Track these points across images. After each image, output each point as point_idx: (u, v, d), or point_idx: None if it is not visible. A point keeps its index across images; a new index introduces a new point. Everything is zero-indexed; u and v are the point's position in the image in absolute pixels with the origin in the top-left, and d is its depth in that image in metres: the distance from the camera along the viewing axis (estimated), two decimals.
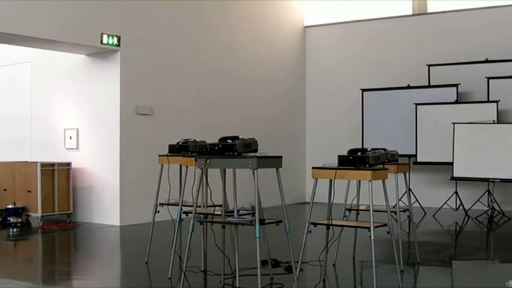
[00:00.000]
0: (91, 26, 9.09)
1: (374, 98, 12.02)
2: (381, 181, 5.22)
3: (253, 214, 5.16)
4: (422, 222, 10.00)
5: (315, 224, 5.25)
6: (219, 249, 5.47)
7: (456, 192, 10.91)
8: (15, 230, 9.04)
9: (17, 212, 9.32)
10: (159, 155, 6.33)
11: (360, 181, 5.97)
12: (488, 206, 10.44)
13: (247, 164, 4.90)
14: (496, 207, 10.30)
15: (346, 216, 6.19)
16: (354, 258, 6.50)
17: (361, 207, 6.32)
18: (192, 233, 5.14)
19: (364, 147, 11.47)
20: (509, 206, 10.82)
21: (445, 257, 7.23)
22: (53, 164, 9.60)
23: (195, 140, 6.12)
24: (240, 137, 5.15)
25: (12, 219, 9.25)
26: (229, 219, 5.23)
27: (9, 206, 9.38)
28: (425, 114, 11.16)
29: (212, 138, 5.54)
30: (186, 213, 5.94)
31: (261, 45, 12.37)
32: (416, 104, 11.22)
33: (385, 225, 5.20)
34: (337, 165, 5.15)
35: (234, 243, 5.48)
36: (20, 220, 9.28)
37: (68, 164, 9.74)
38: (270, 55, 12.62)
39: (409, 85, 11.80)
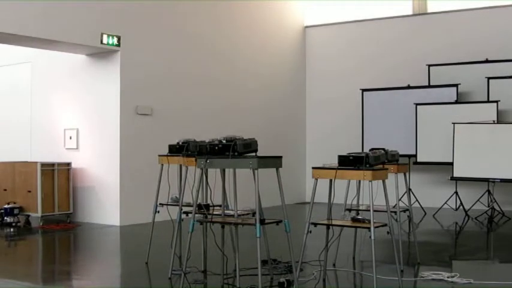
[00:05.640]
0: (91, 26, 9.09)
1: (374, 98, 12.03)
2: (381, 181, 5.22)
3: (253, 214, 5.17)
4: (422, 222, 10.00)
5: (315, 224, 5.25)
6: (219, 249, 5.47)
7: (456, 192, 10.91)
8: (12, 230, 9.04)
9: (12, 212, 9.33)
10: (159, 155, 6.33)
11: (360, 181, 5.97)
12: (488, 206, 10.44)
13: (248, 164, 4.90)
14: (496, 207, 10.30)
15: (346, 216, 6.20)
16: (354, 258, 6.50)
17: (361, 207, 6.31)
18: (192, 233, 5.14)
19: (364, 147, 11.56)
20: (509, 206, 10.83)
21: (445, 257, 7.23)
22: (53, 164, 9.60)
23: (195, 140, 6.12)
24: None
25: (8, 219, 9.27)
26: (229, 219, 5.24)
27: (6, 206, 9.40)
28: (425, 114, 11.16)
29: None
30: (186, 213, 5.94)
31: (261, 45, 12.37)
32: (416, 104, 11.22)
33: (385, 225, 5.20)
34: (337, 165, 5.16)
35: (234, 243, 5.49)
36: (16, 220, 9.29)
37: (68, 164, 9.74)
38: (270, 55, 12.62)
39: (409, 85, 11.80)
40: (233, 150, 4.96)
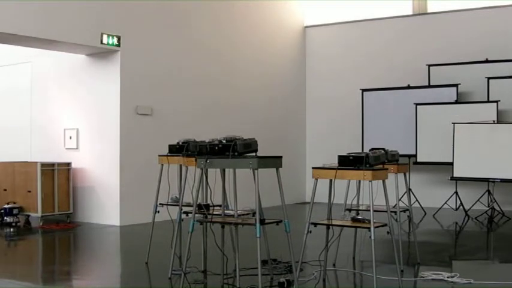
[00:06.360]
0: (91, 26, 9.09)
1: (374, 98, 12.03)
2: (380, 181, 5.22)
3: (253, 214, 5.17)
4: (422, 222, 10.00)
5: (315, 224, 5.25)
6: (219, 249, 5.47)
7: (456, 192, 10.91)
8: (12, 230, 9.04)
9: (12, 212, 9.33)
10: (159, 155, 6.34)
11: (360, 181, 5.97)
12: (488, 206, 10.44)
13: (248, 164, 4.90)
14: (496, 207, 10.30)
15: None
16: (354, 258, 6.50)
17: (361, 207, 6.31)
18: (192, 233, 5.14)
19: (364, 147, 11.56)
20: (509, 206, 10.83)
21: (445, 257, 7.23)
22: (53, 164, 9.60)
23: (195, 139, 6.12)
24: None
25: (8, 219, 9.27)
26: (229, 219, 5.24)
27: (6, 206, 9.40)
28: (425, 114, 11.16)
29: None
30: (186, 213, 5.94)
31: (261, 45, 12.37)
32: (416, 104, 11.22)
33: (385, 225, 5.20)
34: (337, 165, 5.16)
35: (234, 243, 5.49)
36: (16, 220, 9.30)
37: (68, 164, 9.74)
38: (270, 55, 12.62)
39: (409, 85, 11.80)
40: (233, 150, 4.96)
